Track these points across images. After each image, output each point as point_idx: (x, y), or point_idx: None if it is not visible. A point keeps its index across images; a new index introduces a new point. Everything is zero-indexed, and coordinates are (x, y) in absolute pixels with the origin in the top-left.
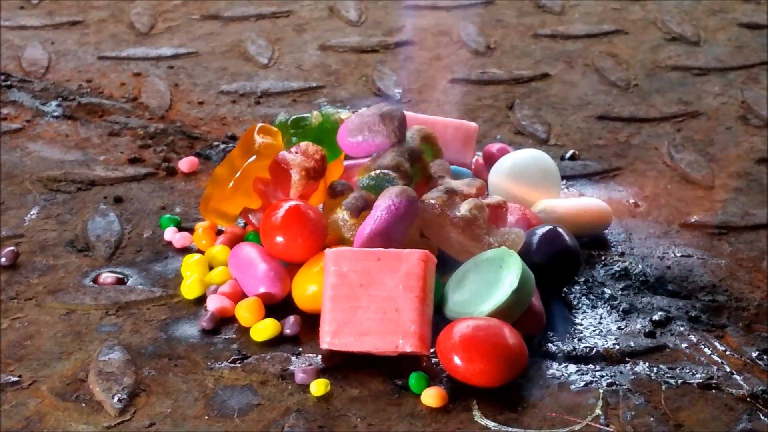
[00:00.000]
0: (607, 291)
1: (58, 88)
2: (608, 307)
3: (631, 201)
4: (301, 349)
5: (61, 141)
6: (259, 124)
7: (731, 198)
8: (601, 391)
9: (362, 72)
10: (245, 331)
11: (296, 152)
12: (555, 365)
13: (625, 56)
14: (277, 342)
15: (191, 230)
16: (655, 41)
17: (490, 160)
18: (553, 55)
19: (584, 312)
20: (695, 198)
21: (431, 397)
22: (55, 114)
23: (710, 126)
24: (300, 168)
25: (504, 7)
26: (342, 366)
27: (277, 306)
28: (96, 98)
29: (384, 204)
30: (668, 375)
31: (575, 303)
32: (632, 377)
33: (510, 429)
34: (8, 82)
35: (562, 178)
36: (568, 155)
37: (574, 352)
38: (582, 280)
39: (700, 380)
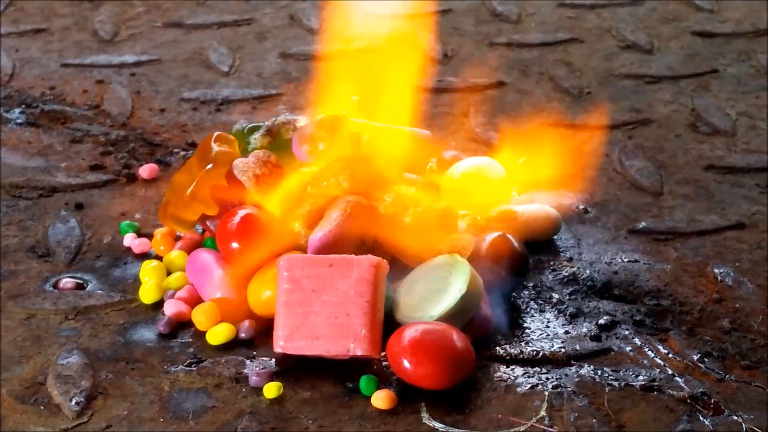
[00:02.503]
0: (555, 296)
1: (21, 95)
2: (556, 312)
3: (581, 207)
4: (255, 353)
5: (23, 148)
6: (216, 133)
7: (679, 204)
8: (546, 393)
9: (321, 79)
10: (201, 335)
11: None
12: (502, 368)
13: (579, 64)
14: (232, 346)
15: (150, 236)
16: (609, 49)
17: (444, 167)
18: (509, 63)
19: (532, 316)
20: (644, 204)
21: (381, 399)
22: (19, 121)
23: (660, 133)
24: (248, 174)
25: (461, 16)
26: (294, 369)
27: (233, 311)
28: (59, 105)
29: (336, 212)
30: (612, 377)
31: (523, 307)
32: (577, 380)
33: (457, 430)
34: None
35: (513, 185)
36: (519, 162)
37: (521, 356)
38: (531, 285)
39: (643, 382)
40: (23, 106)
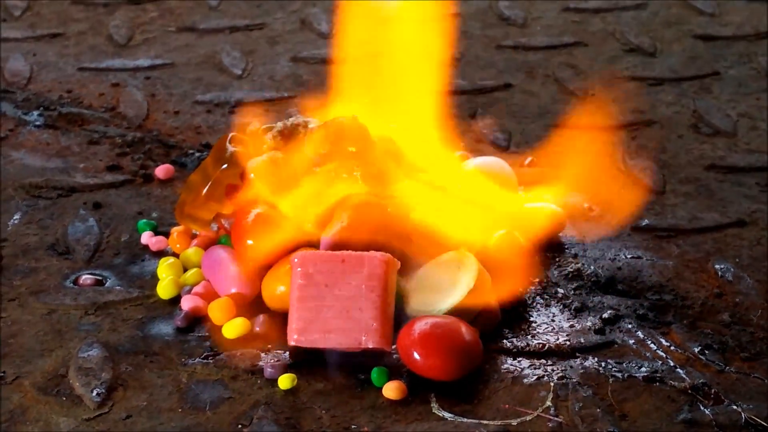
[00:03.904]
0: (561, 291)
1: (39, 98)
2: (561, 306)
3: (585, 205)
4: (269, 346)
5: (42, 149)
6: (231, 134)
7: (680, 202)
8: (552, 384)
9: (332, 83)
10: (217, 329)
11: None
12: (509, 360)
13: (583, 67)
14: (247, 339)
15: (167, 234)
16: (613, 52)
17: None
18: (515, 65)
19: (538, 310)
20: (647, 202)
21: (392, 390)
22: (37, 123)
23: (663, 134)
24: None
25: (469, 19)
26: (308, 361)
27: (248, 305)
28: (76, 108)
29: (346, 211)
30: (615, 369)
31: (530, 302)
32: (582, 371)
33: (465, 420)
34: None
35: (520, 184)
36: (526, 162)
37: (527, 348)
38: (537, 280)
39: (645, 374)
40: (41, 108)
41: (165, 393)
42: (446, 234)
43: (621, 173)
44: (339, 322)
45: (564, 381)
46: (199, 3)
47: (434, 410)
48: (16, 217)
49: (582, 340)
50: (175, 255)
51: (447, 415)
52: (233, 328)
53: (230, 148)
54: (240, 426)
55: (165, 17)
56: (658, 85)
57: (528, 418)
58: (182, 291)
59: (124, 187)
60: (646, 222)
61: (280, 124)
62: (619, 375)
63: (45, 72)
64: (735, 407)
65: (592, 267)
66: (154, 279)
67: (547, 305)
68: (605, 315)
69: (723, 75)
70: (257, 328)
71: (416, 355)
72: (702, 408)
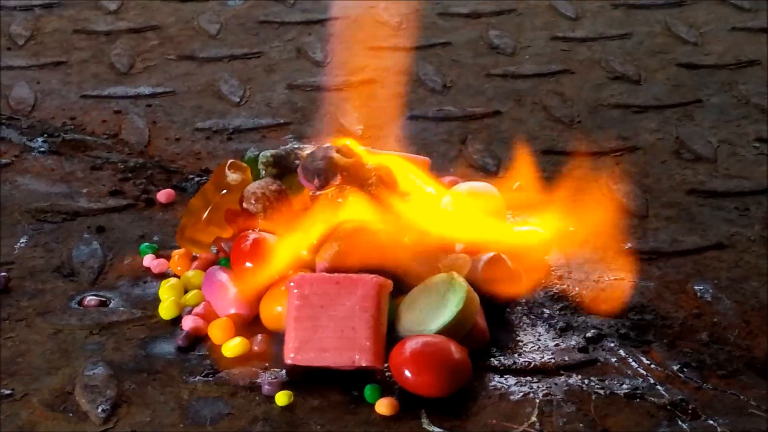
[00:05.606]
0: (546, 311)
1: (43, 125)
2: (546, 326)
3: (571, 229)
4: (267, 364)
5: (47, 175)
6: (230, 160)
7: (662, 226)
8: (537, 400)
9: (327, 109)
10: (217, 348)
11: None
12: (496, 378)
13: (570, 94)
14: (246, 358)
15: (168, 257)
16: (599, 80)
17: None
18: (505, 93)
19: (525, 330)
20: (629, 226)
21: (384, 406)
22: (42, 150)
23: (646, 160)
24: (255, 200)
25: (460, 48)
26: (304, 379)
27: (246, 325)
28: (79, 135)
29: (339, 237)
30: (598, 386)
31: (517, 322)
32: (566, 388)
33: None
34: None
35: (508, 208)
36: (514, 187)
37: (514, 366)
38: (523, 301)
39: (627, 390)
40: (45, 135)
41: (167, 409)
42: (436, 257)
43: (605, 198)
44: (334, 342)
45: (549, 397)
46: (199, 32)
47: (424, 425)
48: (23, 240)
49: (566, 359)
50: (176, 277)
51: (437, 430)
52: (232, 347)
53: (229, 174)
54: None
55: (165, 46)
56: (642, 112)
57: None
58: (183, 312)
59: (126, 211)
60: (628, 245)
61: (269, 153)
62: (601, 392)
63: (49, 99)
64: (712, 422)
65: (576, 288)
66: (156, 300)
67: (533, 325)
68: (588, 334)
69: (705, 103)
70: (255, 347)
71: (407, 373)
72: (680, 423)
